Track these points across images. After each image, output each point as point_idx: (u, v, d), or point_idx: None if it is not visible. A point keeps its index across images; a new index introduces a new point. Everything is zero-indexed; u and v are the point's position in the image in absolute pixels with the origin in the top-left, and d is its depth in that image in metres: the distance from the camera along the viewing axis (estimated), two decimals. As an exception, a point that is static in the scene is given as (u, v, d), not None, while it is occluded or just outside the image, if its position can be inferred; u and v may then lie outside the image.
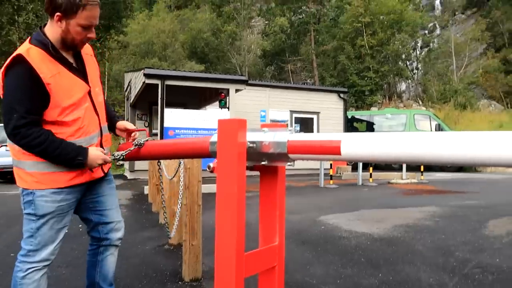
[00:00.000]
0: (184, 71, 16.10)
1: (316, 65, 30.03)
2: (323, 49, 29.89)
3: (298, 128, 14.66)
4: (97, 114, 1.88)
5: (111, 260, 2.14)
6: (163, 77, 10.52)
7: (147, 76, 10.31)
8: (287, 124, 13.74)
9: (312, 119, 15.27)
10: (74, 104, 1.77)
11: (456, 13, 36.01)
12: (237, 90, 11.51)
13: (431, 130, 15.61)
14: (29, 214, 1.81)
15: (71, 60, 1.81)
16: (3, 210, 6.55)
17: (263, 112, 14.22)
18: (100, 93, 1.94)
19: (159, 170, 3.35)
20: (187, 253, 2.93)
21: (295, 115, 14.90)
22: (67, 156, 1.73)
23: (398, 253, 3.64)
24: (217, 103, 11.85)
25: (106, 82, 23.81)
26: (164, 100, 10.36)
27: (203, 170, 3.30)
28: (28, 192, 1.79)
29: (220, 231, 1.44)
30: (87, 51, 1.94)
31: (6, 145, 11.46)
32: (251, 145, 1.50)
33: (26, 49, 1.68)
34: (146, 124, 13.41)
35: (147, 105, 13.29)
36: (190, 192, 3.04)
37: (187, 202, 3.02)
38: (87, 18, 1.71)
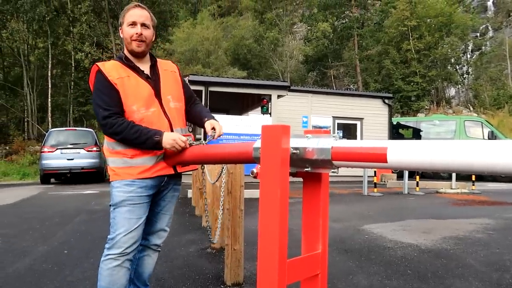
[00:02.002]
0: (227, 77, 16.36)
1: (360, 70, 29.46)
2: (367, 54, 29.30)
3: (341, 135, 14.43)
4: (168, 118, 2.06)
5: (147, 261, 2.24)
6: (206, 84, 10.75)
7: (191, 82, 10.57)
8: (330, 131, 13.55)
9: (355, 125, 14.98)
10: (139, 102, 2.00)
11: (511, 14, 34.04)
12: (279, 96, 11.53)
13: (483, 138, 14.80)
14: (110, 205, 2.06)
15: (144, 69, 2.10)
16: (59, 210, 6.94)
17: (305, 118, 14.13)
18: (173, 101, 2.12)
19: (202, 174, 3.42)
20: (229, 258, 2.96)
21: (338, 121, 14.69)
22: (146, 136, 1.94)
23: (448, 267, 3.47)
24: (259, 109, 11.92)
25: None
26: (208, 106, 10.57)
27: (245, 175, 3.33)
28: (111, 185, 2.08)
29: (263, 237, 1.44)
30: (168, 67, 2.22)
31: (61, 148, 12.18)
32: (294, 151, 1.50)
33: (103, 62, 2.09)
34: (190, 130, 13.71)
35: (191, 111, 13.61)
36: (233, 196, 3.07)
37: (230, 206, 3.06)
38: (130, 17, 2.05)
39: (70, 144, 12.29)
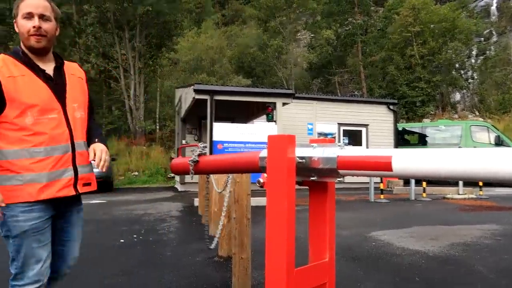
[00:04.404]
0: (232, 86, 16.45)
1: (364, 76, 29.48)
2: (371, 60, 29.33)
3: (346, 141, 14.42)
4: (69, 128, 1.80)
5: None
6: (212, 92, 10.82)
7: (196, 91, 10.65)
8: (334, 138, 13.57)
9: (360, 131, 14.97)
10: (34, 106, 1.71)
11: (515, 18, 33.98)
12: (284, 104, 11.57)
13: (489, 142, 14.71)
14: (5, 237, 1.81)
15: (46, 69, 1.81)
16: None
17: (310, 125, 14.14)
18: (78, 110, 1.86)
19: (207, 183, 3.44)
20: (236, 266, 2.97)
21: (343, 127, 14.68)
22: None
23: (456, 273, 3.45)
24: (264, 116, 11.96)
25: (158, 97, 24.83)
26: (213, 114, 10.63)
27: (251, 183, 3.35)
28: None
29: (271, 246, 1.46)
30: (75, 72, 1.96)
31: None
32: (300, 160, 1.52)
33: None
34: (196, 138, 13.80)
35: (196, 119, 13.69)
36: (239, 205, 3.09)
37: (236, 215, 3.07)
38: (25, 7, 1.75)
39: (77, 154, 12.36)
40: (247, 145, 10.26)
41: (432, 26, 26.62)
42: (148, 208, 8.31)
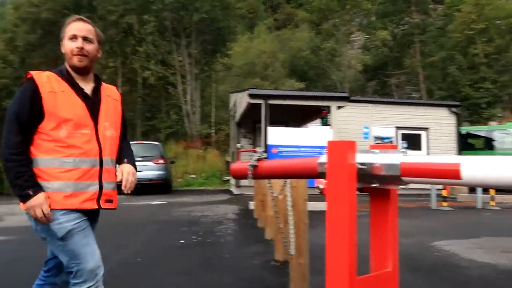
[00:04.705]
0: (286, 90, 16.48)
1: (423, 77, 28.21)
2: (430, 61, 28.02)
3: (405, 145, 13.88)
4: (99, 145, 1.91)
5: None
6: (266, 97, 10.93)
7: (251, 96, 10.81)
8: (392, 142, 13.12)
9: (420, 135, 14.34)
10: (69, 121, 1.83)
11: None
12: (339, 107, 11.40)
13: None
14: (56, 240, 1.88)
15: (86, 88, 1.95)
16: (131, 219, 7.38)
17: (366, 129, 13.80)
18: (110, 129, 1.97)
19: (270, 187, 3.49)
20: (294, 271, 2.98)
21: (401, 131, 14.15)
22: (23, 181, 1.78)
23: (530, 288, 3.21)
24: (318, 120, 11.86)
25: (213, 102, 25.47)
26: (268, 119, 10.72)
27: (308, 187, 3.35)
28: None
29: (331, 254, 1.46)
30: (111, 93, 2.09)
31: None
32: (361, 167, 1.51)
33: (40, 72, 1.93)
34: (250, 142, 13.98)
35: (251, 123, 13.87)
36: (296, 210, 3.10)
37: (294, 220, 3.09)
38: (71, 30, 1.91)
39: (139, 157, 13.01)
40: (301, 149, 10.23)
41: (497, 22, 24.90)
42: (205, 210, 8.55)
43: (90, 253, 1.83)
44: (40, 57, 23.44)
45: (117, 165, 2.05)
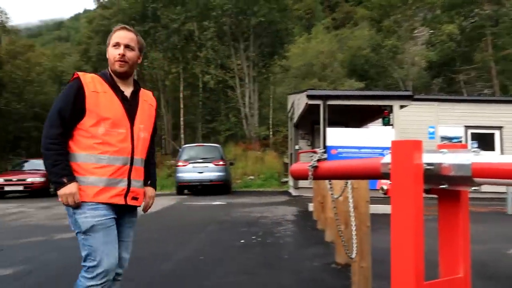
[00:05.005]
0: (345, 90, 16.16)
1: (496, 72, 26.19)
2: (503, 54, 25.93)
3: (476, 145, 12.98)
4: (132, 144, 2.03)
5: None
6: (324, 97, 10.79)
7: (309, 97, 10.73)
8: (460, 142, 12.35)
9: (492, 135, 13.33)
10: (107, 119, 1.96)
11: None
12: (401, 106, 10.95)
13: None
14: (77, 233, 2.02)
15: (126, 91, 2.08)
16: (193, 219, 7.68)
17: (431, 129, 13.10)
18: (143, 131, 2.10)
19: (330, 189, 3.45)
20: (356, 275, 2.92)
21: (471, 130, 13.26)
22: (59, 170, 1.92)
23: None
24: (379, 120, 11.47)
25: (271, 104, 25.63)
26: (326, 119, 10.58)
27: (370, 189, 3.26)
28: (67, 208, 2.03)
29: (396, 258, 1.41)
30: (147, 99, 2.21)
31: (192, 163, 13.41)
32: (428, 167, 1.44)
33: (85, 73, 2.08)
34: (309, 143, 13.87)
35: (309, 124, 13.76)
36: (358, 212, 3.04)
37: (355, 222, 3.02)
38: (114, 38, 2.05)
39: (200, 159, 13.47)
40: (362, 150, 9.96)
41: None
42: (264, 211, 8.63)
43: (106, 253, 1.91)
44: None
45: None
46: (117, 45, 2.04)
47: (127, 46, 2.04)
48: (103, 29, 23.98)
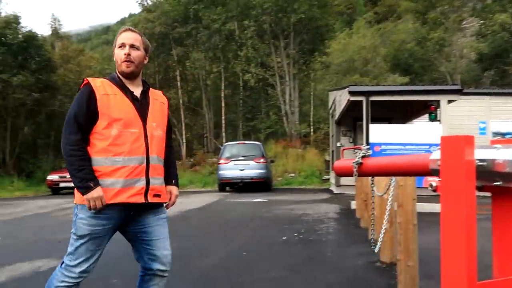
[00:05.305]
0: (389, 85, 15.71)
1: (555, 63, 24.41)
2: None
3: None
4: (146, 143, 2.04)
5: None
6: (367, 93, 10.55)
7: (351, 93, 10.54)
8: (515, 137, 11.65)
9: (552, 130, 12.47)
10: (119, 120, 1.99)
11: None
12: (449, 101, 10.50)
13: None
14: (72, 233, 2.09)
15: (135, 91, 2.12)
16: (235, 215, 7.79)
17: (482, 124, 12.46)
18: (157, 129, 2.11)
19: (372, 185, 3.39)
20: (402, 274, 2.85)
21: (527, 125, 12.47)
22: (83, 174, 1.96)
23: None
24: (424, 116, 11.06)
25: (311, 101, 25.41)
26: (369, 116, 10.35)
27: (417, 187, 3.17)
28: (74, 209, 2.09)
29: (447, 258, 1.37)
30: (158, 97, 2.23)
31: (234, 160, 13.59)
32: (480, 163, 1.39)
33: (94, 78, 2.13)
34: (351, 140, 13.63)
35: (351, 121, 13.52)
36: (404, 210, 2.96)
37: (401, 220, 2.95)
38: (120, 40, 2.10)
39: (242, 156, 13.62)
40: (407, 147, 9.65)
41: None
42: (306, 208, 8.60)
43: (87, 259, 1.99)
44: (154, 67, 25.90)
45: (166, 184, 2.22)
46: (122, 46, 2.08)
47: (132, 46, 2.08)
48: (147, 31, 24.71)
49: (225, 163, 13.60)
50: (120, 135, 1.99)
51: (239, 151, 13.92)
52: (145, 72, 26.72)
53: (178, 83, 25.37)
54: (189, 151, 24.59)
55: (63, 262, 2.03)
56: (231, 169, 13.44)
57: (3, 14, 22.43)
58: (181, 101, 25.00)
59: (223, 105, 24.69)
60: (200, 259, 4.27)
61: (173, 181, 2.25)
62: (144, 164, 2.03)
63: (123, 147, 1.99)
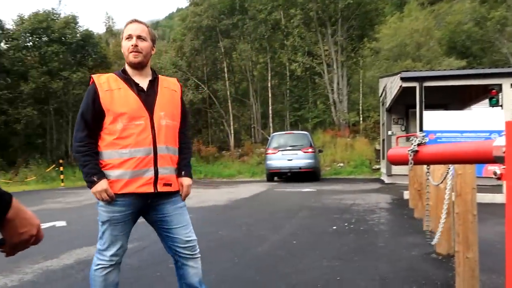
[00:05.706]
0: (444, 70, 14.92)
1: None
2: None
3: None
4: (153, 134, 2.06)
5: (192, 272, 2.19)
6: (421, 79, 10.09)
7: (403, 79, 10.13)
8: None
9: None
10: (124, 114, 2.03)
11: None
12: (512, 85, 9.78)
13: None
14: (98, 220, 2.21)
15: (142, 83, 2.14)
16: (284, 204, 7.82)
17: (550, 109, 11.49)
18: (165, 118, 2.12)
19: (427, 174, 3.26)
20: (461, 266, 2.73)
21: None
22: (89, 169, 2.05)
23: None
24: (484, 101, 10.39)
25: (360, 89, 24.73)
26: (423, 102, 9.91)
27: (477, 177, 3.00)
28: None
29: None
30: (169, 85, 2.24)
31: (282, 150, 13.60)
32: (551, 149, 1.30)
33: (100, 75, 2.18)
34: (403, 129, 13.14)
35: (403, 108, 13.03)
36: (463, 199, 2.82)
37: (459, 210, 2.82)
38: (126, 31, 2.13)
39: (289, 146, 13.59)
40: (464, 134, 9.14)
41: None
42: (356, 198, 8.44)
43: (113, 243, 2.09)
44: (202, 60, 26.38)
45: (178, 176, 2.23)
46: (129, 37, 2.12)
47: (139, 37, 2.12)
48: (195, 25, 25.19)
49: (273, 153, 13.65)
50: (126, 129, 2.04)
51: (287, 141, 13.90)
52: (193, 65, 27.30)
53: (226, 75, 25.67)
54: (237, 142, 24.91)
55: (97, 248, 2.17)
56: (279, 159, 13.47)
57: (62, 15, 23.77)
58: (228, 93, 25.31)
59: (270, 95, 24.68)
60: (252, 247, 4.34)
61: (183, 172, 2.24)
62: (152, 155, 2.07)
63: (129, 140, 2.04)
